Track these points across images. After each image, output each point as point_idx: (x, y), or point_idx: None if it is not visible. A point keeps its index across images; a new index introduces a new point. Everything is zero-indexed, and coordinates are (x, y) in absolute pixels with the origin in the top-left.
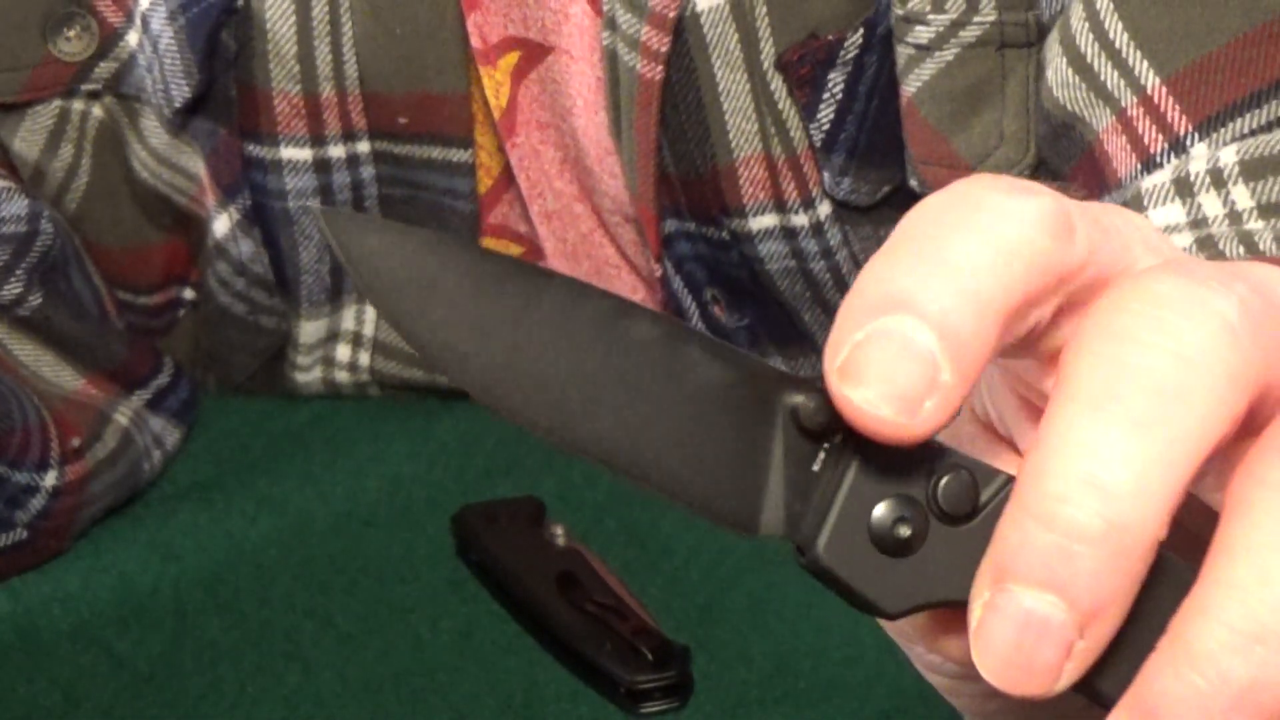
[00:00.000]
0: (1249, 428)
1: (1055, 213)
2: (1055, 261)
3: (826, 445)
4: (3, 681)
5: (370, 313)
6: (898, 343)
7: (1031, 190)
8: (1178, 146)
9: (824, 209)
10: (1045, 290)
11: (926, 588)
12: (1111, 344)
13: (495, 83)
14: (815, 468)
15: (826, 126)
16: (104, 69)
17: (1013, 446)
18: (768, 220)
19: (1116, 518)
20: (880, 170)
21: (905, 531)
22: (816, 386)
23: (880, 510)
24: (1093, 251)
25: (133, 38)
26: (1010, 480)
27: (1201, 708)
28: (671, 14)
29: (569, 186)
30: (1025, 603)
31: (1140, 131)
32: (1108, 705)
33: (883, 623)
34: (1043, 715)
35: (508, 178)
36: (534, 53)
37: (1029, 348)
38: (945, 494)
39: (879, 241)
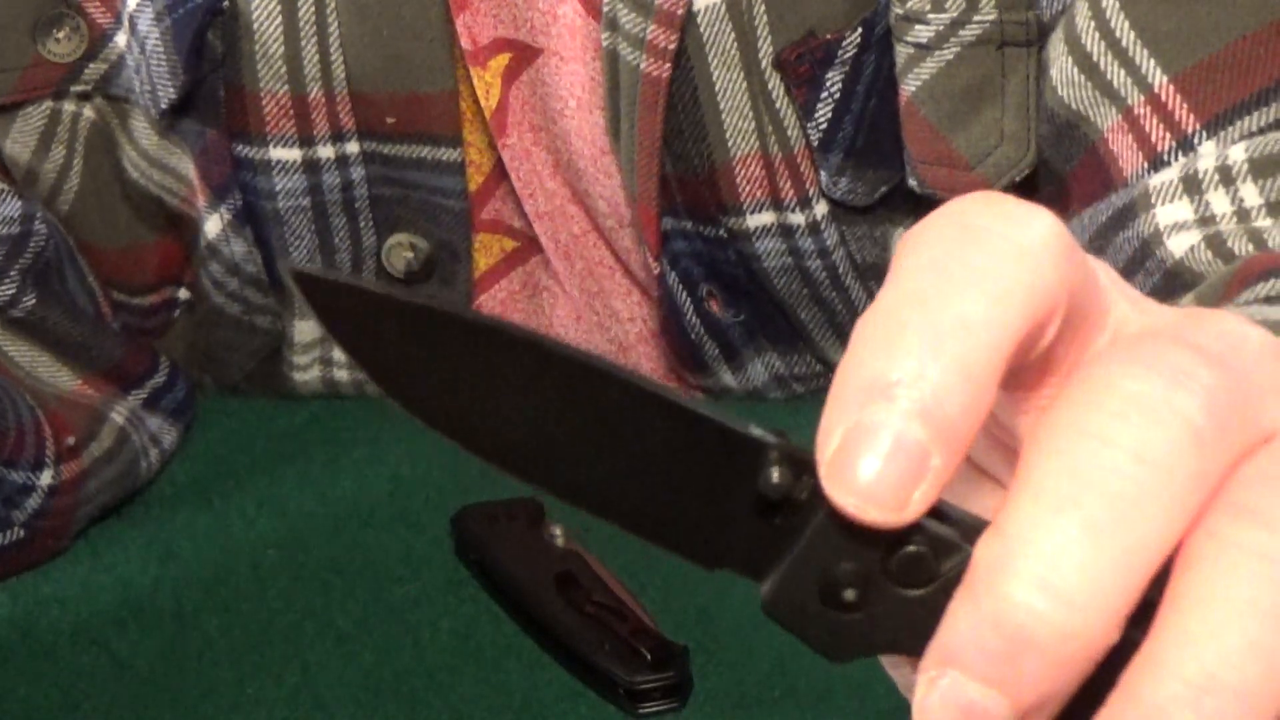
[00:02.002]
0: None
1: (1059, 236)
2: (1057, 292)
3: (791, 499)
4: (3, 681)
5: None
6: (885, 439)
7: (1032, 214)
8: (1185, 145)
9: (821, 208)
10: (1046, 323)
11: (872, 640)
12: (1074, 443)
13: (485, 84)
14: (777, 520)
15: (824, 125)
16: (94, 70)
17: (986, 474)
18: (764, 218)
19: (1067, 626)
20: (877, 170)
21: (851, 595)
22: (787, 449)
23: (831, 570)
24: (1085, 272)
25: (121, 39)
26: (970, 555)
27: None
28: (680, 11)
29: (561, 188)
30: (968, 692)
31: (1148, 130)
32: None
33: None
34: None
35: (499, 173)
36: (524, 54)
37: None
38: (900, 566)
39: (875, 241)
